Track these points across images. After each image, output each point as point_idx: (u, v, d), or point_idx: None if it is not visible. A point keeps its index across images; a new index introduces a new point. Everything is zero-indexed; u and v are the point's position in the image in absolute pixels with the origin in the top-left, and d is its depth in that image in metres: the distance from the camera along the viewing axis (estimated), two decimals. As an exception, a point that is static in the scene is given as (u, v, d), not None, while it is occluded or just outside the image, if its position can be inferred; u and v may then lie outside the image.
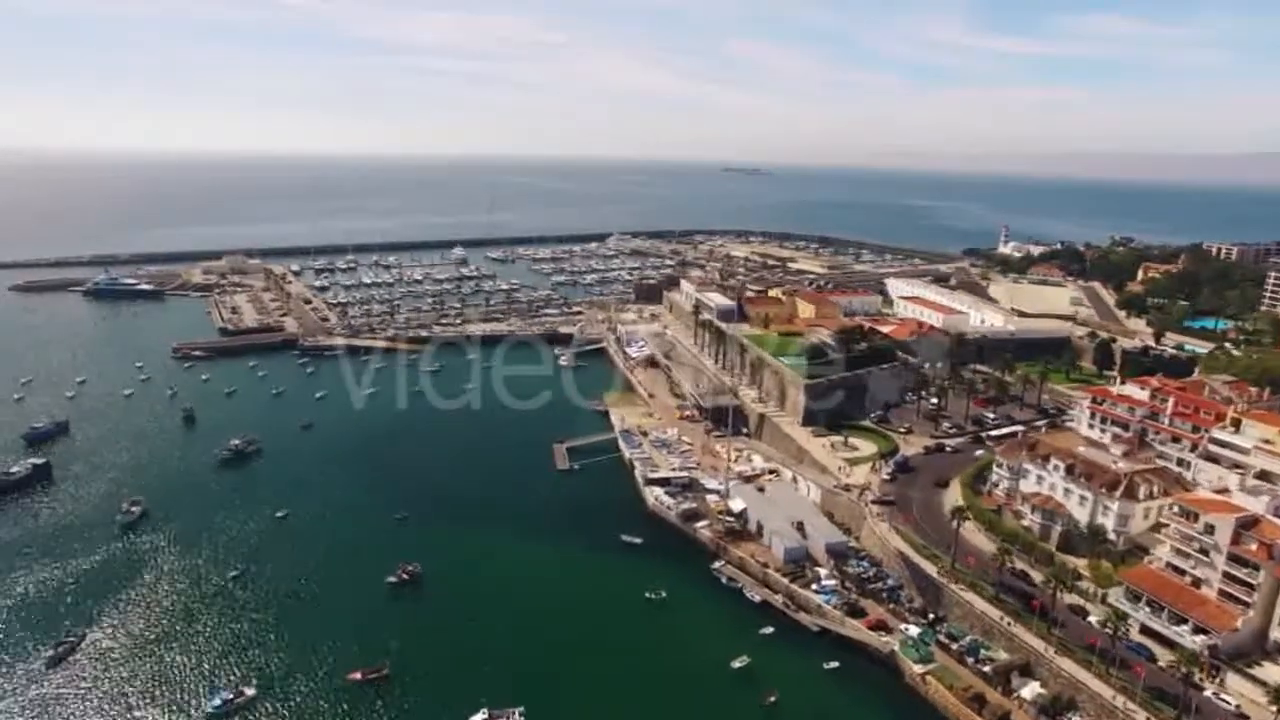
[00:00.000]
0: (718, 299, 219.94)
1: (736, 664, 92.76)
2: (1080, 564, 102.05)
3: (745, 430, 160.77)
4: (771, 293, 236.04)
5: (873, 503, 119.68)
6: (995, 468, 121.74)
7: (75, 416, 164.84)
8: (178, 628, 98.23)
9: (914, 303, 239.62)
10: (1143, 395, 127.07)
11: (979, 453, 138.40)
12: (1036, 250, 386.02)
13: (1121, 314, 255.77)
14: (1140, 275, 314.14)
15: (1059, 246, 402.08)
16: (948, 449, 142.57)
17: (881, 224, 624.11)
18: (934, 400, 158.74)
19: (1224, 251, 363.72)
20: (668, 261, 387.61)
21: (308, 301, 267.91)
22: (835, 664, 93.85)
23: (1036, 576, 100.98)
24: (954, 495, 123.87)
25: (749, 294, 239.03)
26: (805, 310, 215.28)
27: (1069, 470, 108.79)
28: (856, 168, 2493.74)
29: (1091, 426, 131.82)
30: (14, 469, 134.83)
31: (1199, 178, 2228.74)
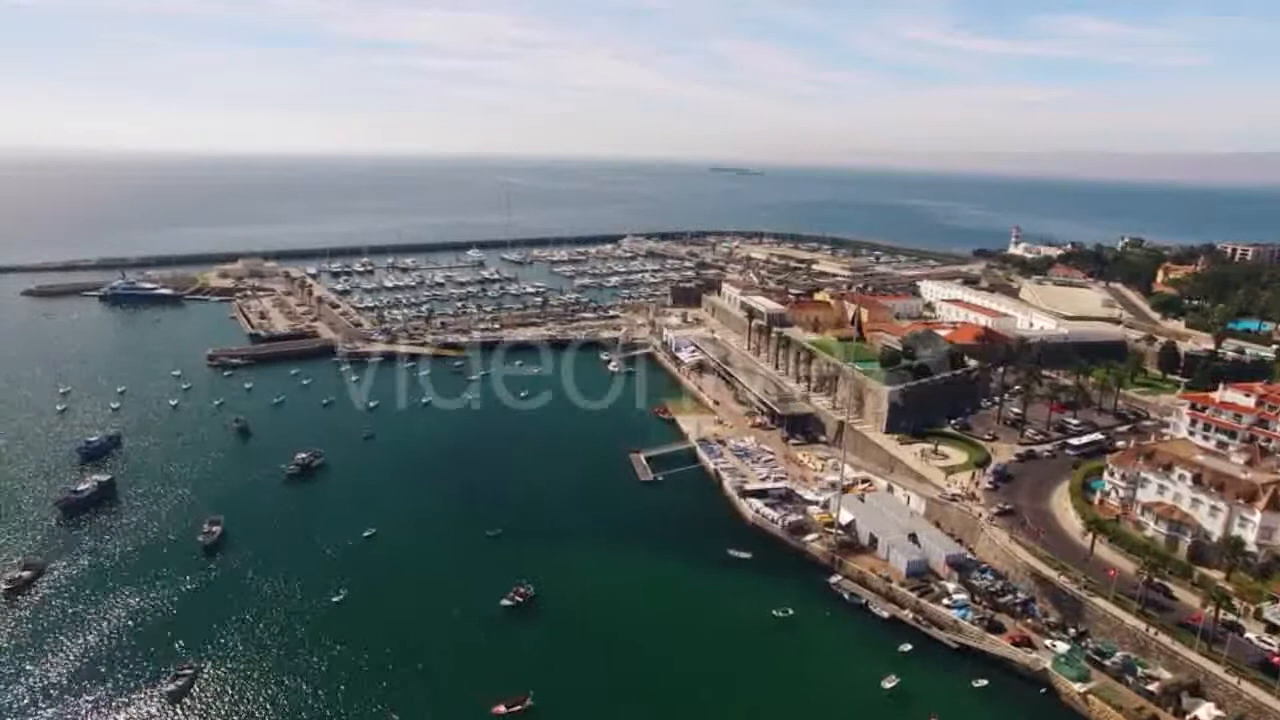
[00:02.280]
0: (766, 303, 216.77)
1: (887, 684, 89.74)
2: (1217, 577, 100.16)
3: (823, 438, 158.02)
4: (818, 296, 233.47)
5: (996, 514, 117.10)
6: (1107, 476, 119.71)
7: (125, 429, 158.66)
8: (296, 656, 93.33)
9: (957, 305, 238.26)
10: (1247, 402, 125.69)
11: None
12: (1054, 252, 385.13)
13: (1155, 316, 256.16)
14: (1161, 276, 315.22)
15: (1069, 247, 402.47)
16: (1044, 455, 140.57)
17: (882, 224, 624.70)
18: (1015, 409, 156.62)
19: (1238, 252, 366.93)
20: (686, 263, 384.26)
21: (334, 305, 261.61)
22: (984, 682, 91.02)
23: (1174, 590, 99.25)
24: (1062, 504, 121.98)
25: (793, 297, 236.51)
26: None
27: (1196, 480, 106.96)
28: (846, 167, 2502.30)
29: (1192, 433, 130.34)
30: (81, 487, 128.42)
31: (1190, 178, 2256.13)
